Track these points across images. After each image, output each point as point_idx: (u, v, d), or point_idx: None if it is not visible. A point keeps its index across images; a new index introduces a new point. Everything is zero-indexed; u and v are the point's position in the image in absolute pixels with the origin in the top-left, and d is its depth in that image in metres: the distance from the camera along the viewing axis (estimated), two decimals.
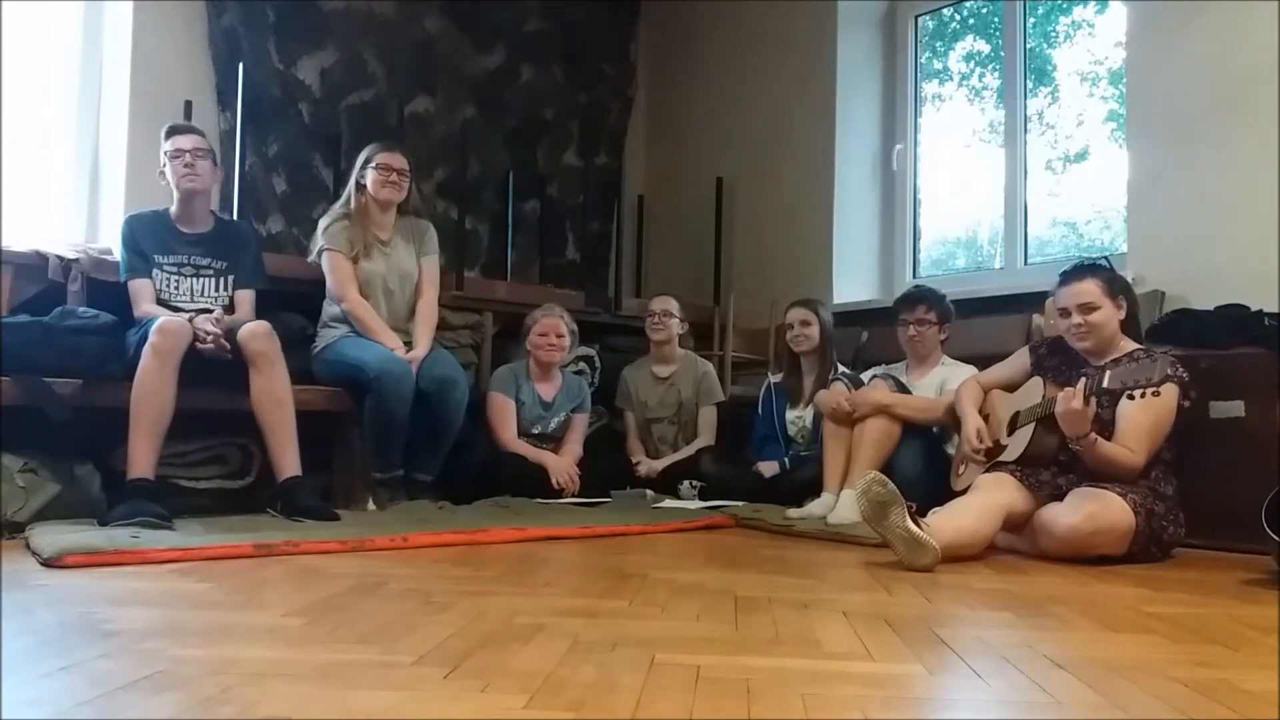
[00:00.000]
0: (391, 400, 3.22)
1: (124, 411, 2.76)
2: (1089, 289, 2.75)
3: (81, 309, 3.00)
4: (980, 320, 3.81)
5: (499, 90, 4.96)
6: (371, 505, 3.23)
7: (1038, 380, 2.84)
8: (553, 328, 3.84)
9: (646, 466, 3.99)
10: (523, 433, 3.79)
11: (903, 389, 3.31)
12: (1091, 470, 2.61)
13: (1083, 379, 2.54)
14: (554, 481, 3.62)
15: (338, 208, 3.53)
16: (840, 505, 3.09)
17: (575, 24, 5.23)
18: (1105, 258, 2.86)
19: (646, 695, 1.21)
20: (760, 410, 3.94)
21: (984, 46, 4.69)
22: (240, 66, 3.94)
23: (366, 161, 3.49)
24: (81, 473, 2.83)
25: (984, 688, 1.32)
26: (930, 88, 4.82)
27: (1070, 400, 2.51)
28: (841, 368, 3.73)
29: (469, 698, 1.19)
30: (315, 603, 1.79)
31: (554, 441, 3.86)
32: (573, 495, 3.62)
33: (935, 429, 3.25)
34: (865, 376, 3.42)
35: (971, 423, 2.95)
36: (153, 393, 2.75)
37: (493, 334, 4.13)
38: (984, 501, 2.60)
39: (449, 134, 4.72)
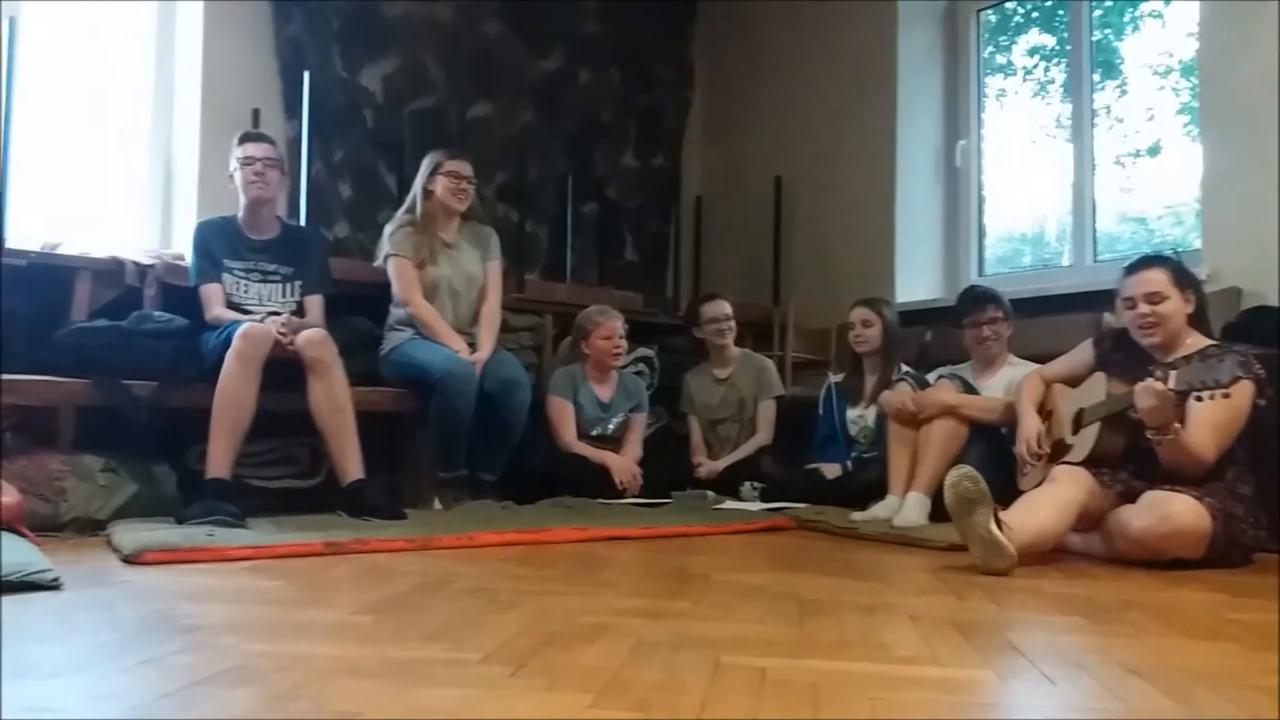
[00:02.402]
0: (456, 401, 3.26)
1: (198, 413, 2.84)
2: (1156, 278, 2.67)
3: (157, 313, 3.10)
4: (1048, 319, 3.73)
5: (557, 93, 4.99)
6: (437, 504, 3.27)
7: (1100, 377, 2.76)
8: (615, 330, 3.85)
9: (707, 468, 3.99)
10: (582, 435, 3.81)
11: (970, 390, 3.26)
12: (1165, 469, 2.54)
13: (1171, 373, 2.45)
14: (617, 481, 3.63)
15: (403, 214, 3.59)
16: (906, 508, 3.05)
17: (632, 26, 5.24)
18: (1174, 251, 2.78)
19: (712, 697, 1.21)
20: (821, 411, 3.90)
21: (1049, 40, 4.60)
22: (306, 75, 4.02)
23: (434, 168, 3.53)
24: (158, 472, 2.92)
25: (1056, 694, 1.29)
26: (994, 82, 4.73)
27: (1151, 393, 2.43)
28: (906, 368, 3.68)
29: (535, 696, 1.20)
30: (383, 600, 1.82)
31: (614, 442, 3.87)
32: (634, 495, 3.63)
33: (1004, 430, 3.18)
34: (931, 377, 3.37)
35: (1030, 425, 2.89)
36: (235, 396, 2.83)
37: (553, 336, 4.16)
38: (1059, 496, 2.53)
39: (508, 138, 4.77)
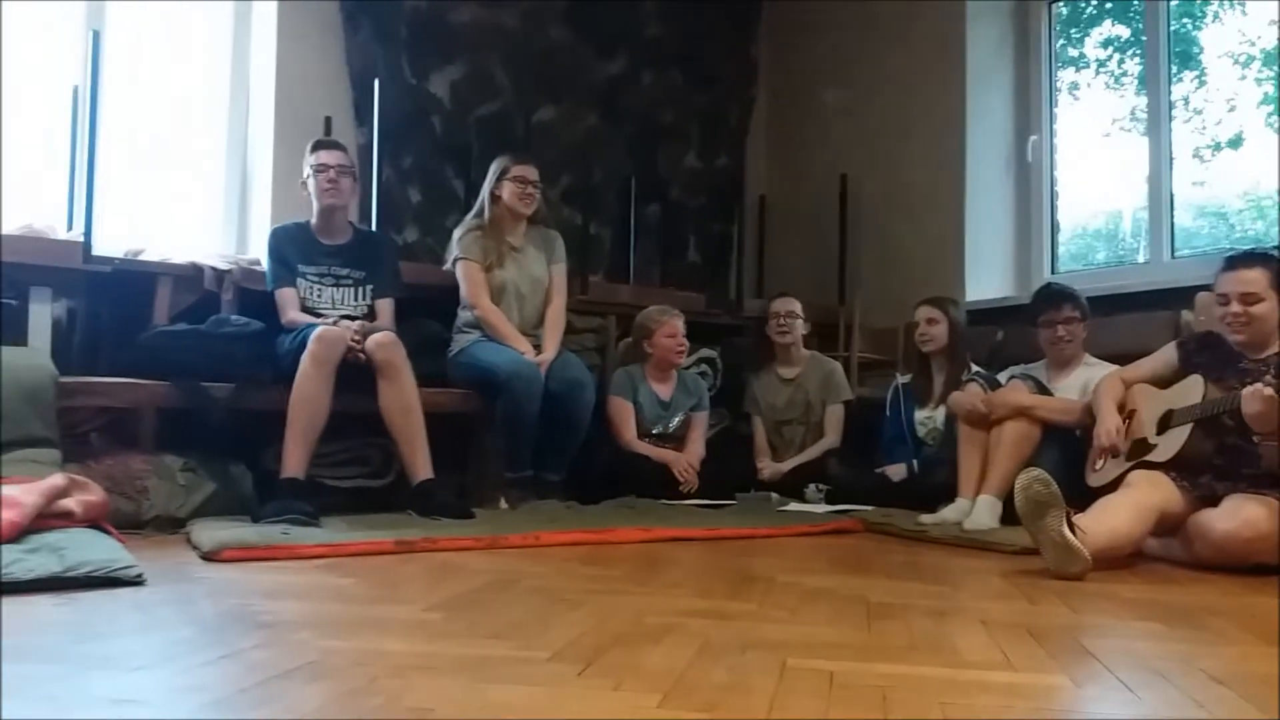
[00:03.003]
0: (522, 402, 3.29)
1: (273, 414, 2.91)
2: (1255, 278, 2.59)
3: (234, 317, 3.18)
4: (1124, 317, 3.63)
5: (620, 96, 5.01)
6: (503, 504, 3.31)
7: (1197, 379, 2.68)
8: (679, 329, 3.86)
9: (770, 470, 3.96)
10: (643, 434, 3.82)
11: (1043, 390, 3.19)
12: (1267, 471, 2.46)
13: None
14: (676, 473, 3.63)
15: (471, 218, 3.64)
16: (976, 510, 3.00)
17: (695, 27, 5.24)
18: (1278, 248, 2.69)
19: (780, 699, 1.20)
20: (888, 412, 3.85)
21: (1123, 31, 4.47)
22: (376, 82, 4.10)
23: (501, 173, 3.58)
24: (235, 472, 3.00)
25: (1135, 702, 1.26)
26: (1066, 76, 4.63)
27: (1259, 398, 2.37)
28: (976, 368, 3.61)
29: (602, 695, 1.21)
30: (453, 598, 1.85)
31: (675, 441, 3.88)
32: (693, 491, 3.63)
33: (1078, 432, 3.11)
34: (1002, 377, 3.30)
35: (1109, 419, 2.82)
36: (310, 397, 2.89)
37: (616, 337, 4.17)
38: (1137, 501, 2.47)
39: (572, 141, 4.80)
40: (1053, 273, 4.46)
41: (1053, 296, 3.40)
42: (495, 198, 3.58)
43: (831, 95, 5.15)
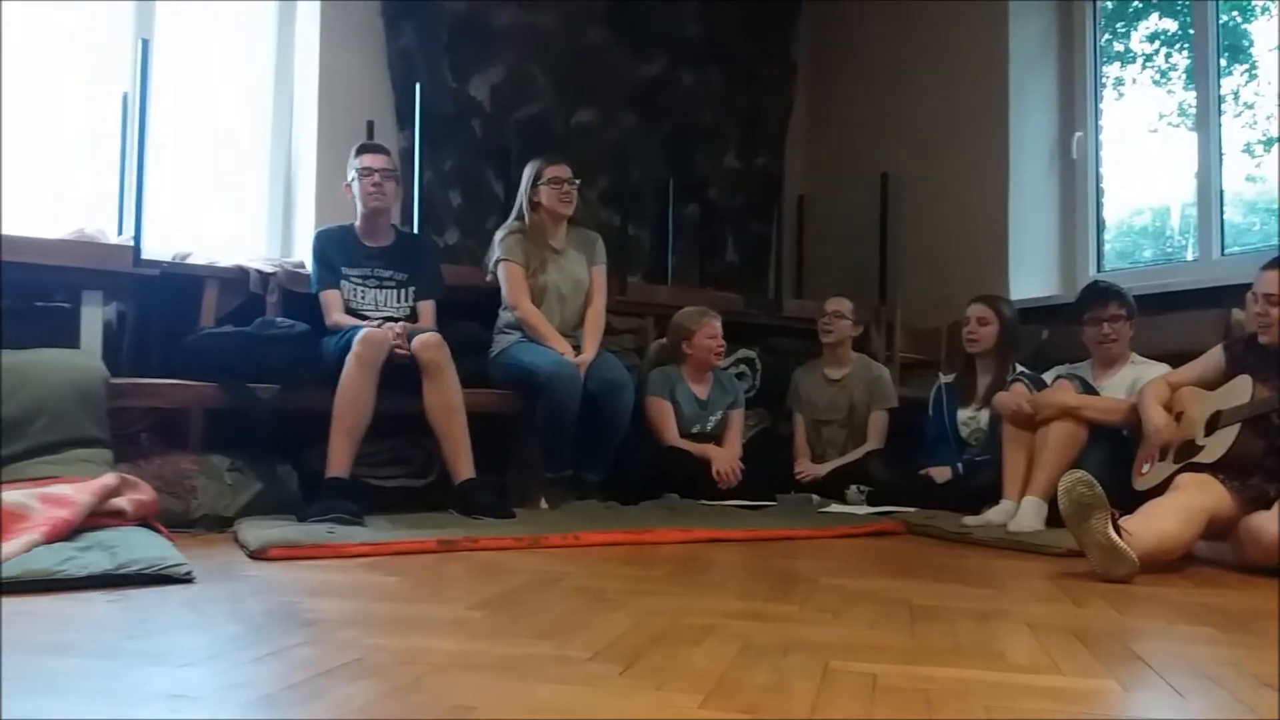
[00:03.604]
0: (561, 403, 3.31)
1: (317, 414, 2.95)
2: (1274, 279, 2.57)
3: (279, 319, 3.23)
4: (1172, 316, 3.57)
5: (658, 97, 5.02)
6: (544, 504, 3.32)
7: (1245, 380, 2.63)
8: (718, 330, 3.86)
9: (809, 473, 3.94)
10: (681, 433, 3.81)
11: (1089, 390, 3.14)
12: None
13: None
14: (716, 471, 3.63)
15: (512, 222, 3.66)
16: (1022, 512, 2.96)
17: (733, 27, 5.23)
18: None
19: (822, 701, 1.20)
20: (931, 412, 3.82)
21: (1170, 24, 4.39)
22: (417, 87, 4.14)
23: (536, 177, 3.59)
24: (281, 471, 3.04)
25: (1185, 707, 1.24)
26: (1112, 71, 4.55)
27: None
28: (1021, 368, 3.57)
29: (644, 695, 1.21)
30: (495, 597, 1.86)
31: (713, 440, 3.87)
32: (729, 494, 3.62)
33: (1125, 432, 3.06)
34: (1048, 377, 3.26)
35: (1157, 415, 2.78)
36: (355, 398, 2.93)
37: (654, 337, 4.18)
38: (1186, 504, 2.43)
39: (611, 143, 4.81)
40: (1098, 270, 4.40)
41: (1099, 294, 3.35)
42: (534, 204, 3.60)
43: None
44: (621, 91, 4.90)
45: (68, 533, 2.11)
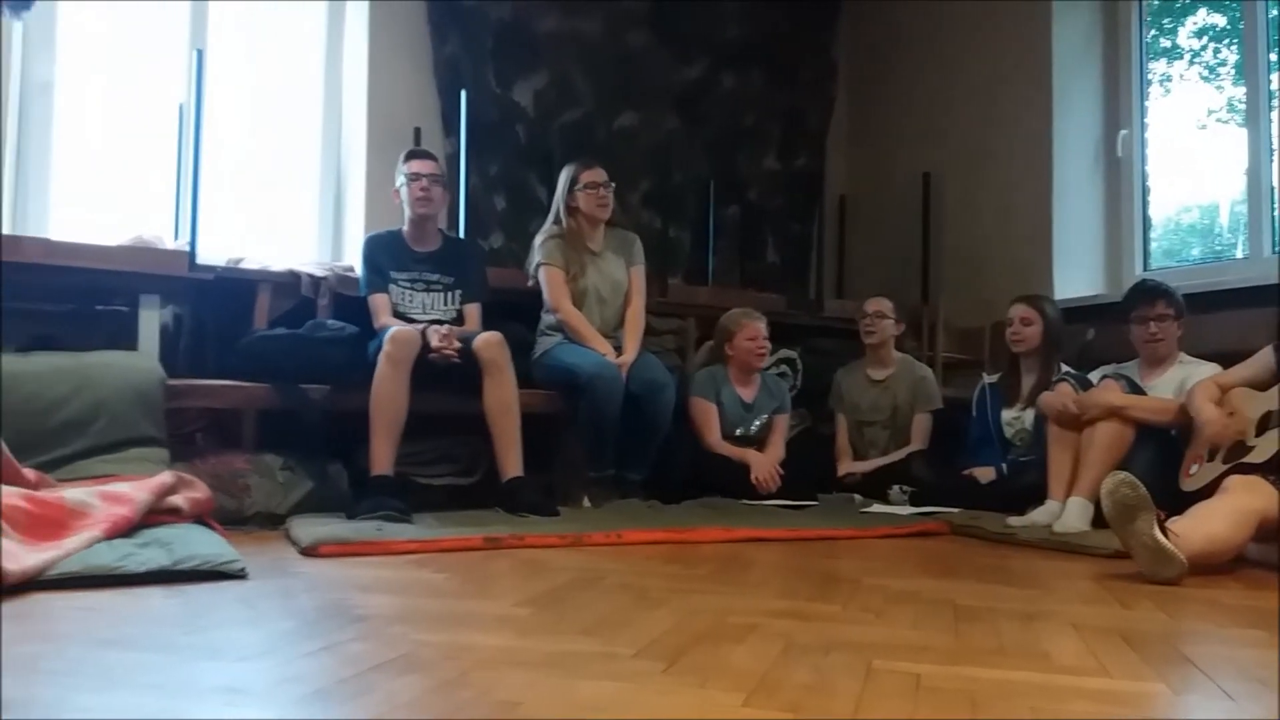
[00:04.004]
0: (603, 403, 3.33)
1: (367, 414, 3.00)
2: None
3: (330, 322, 3.29)
4: (1221, 315, 3.51)
5: (700, 99, 5.02)
6: (586, 503, 3.35)
7: None
8: (759, 331, 3.85)
9: (851, 471, 3.92)
10: (725, 435, 3.82)
11: (1136, 390, 3.10)
12: None
13: None
14: (753, 477, 3.63)
15: (550, 226, 3.69)
16: (1067, 513, 2.93)
17: (774, 28, 5.22)
18: None
19: (865, 701, 1.20)
20: (974, 412, 3.78)
21: (1219, 20, 4.31)
22: (463, 93, 4.19)
23: (571, 183, 3.62)
24: (331, 470, 3.10)
25: (1237, 711, 1.23)
26: (1158, 67, 4.48)
27: None
28: (1066, 368, 3.53)
29: (687, 693, 1.22)
30: (540, 594, 1.89)
31: (756, 443, 3.87)
32: (771, 494, 3.61)
33: (1173, 432, 3.01)
34: (1094, 376, 3.22)
35: (1209, 410, 2.73)
36: (388, 396, 2.98)
37: (695, 338, 4.19)
38: (1236, 506, 2.39)
39: (652, 146, 4.83)
40: (1145, 269, 4.33)
41: (1146, 292, 3.30)
42: (571, 208, 3.63)
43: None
44: (663, 95, 4.92)
45: (127, 530, 2.17)
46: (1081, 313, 4.09)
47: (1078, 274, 4.39)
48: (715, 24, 5.07)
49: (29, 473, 2.37)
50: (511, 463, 3.10)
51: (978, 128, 4.77)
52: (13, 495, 2.06)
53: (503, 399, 3.10)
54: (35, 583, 1.79)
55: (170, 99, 3.76)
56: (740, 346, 3.85)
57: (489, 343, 3.12)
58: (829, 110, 5.43)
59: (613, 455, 3.44)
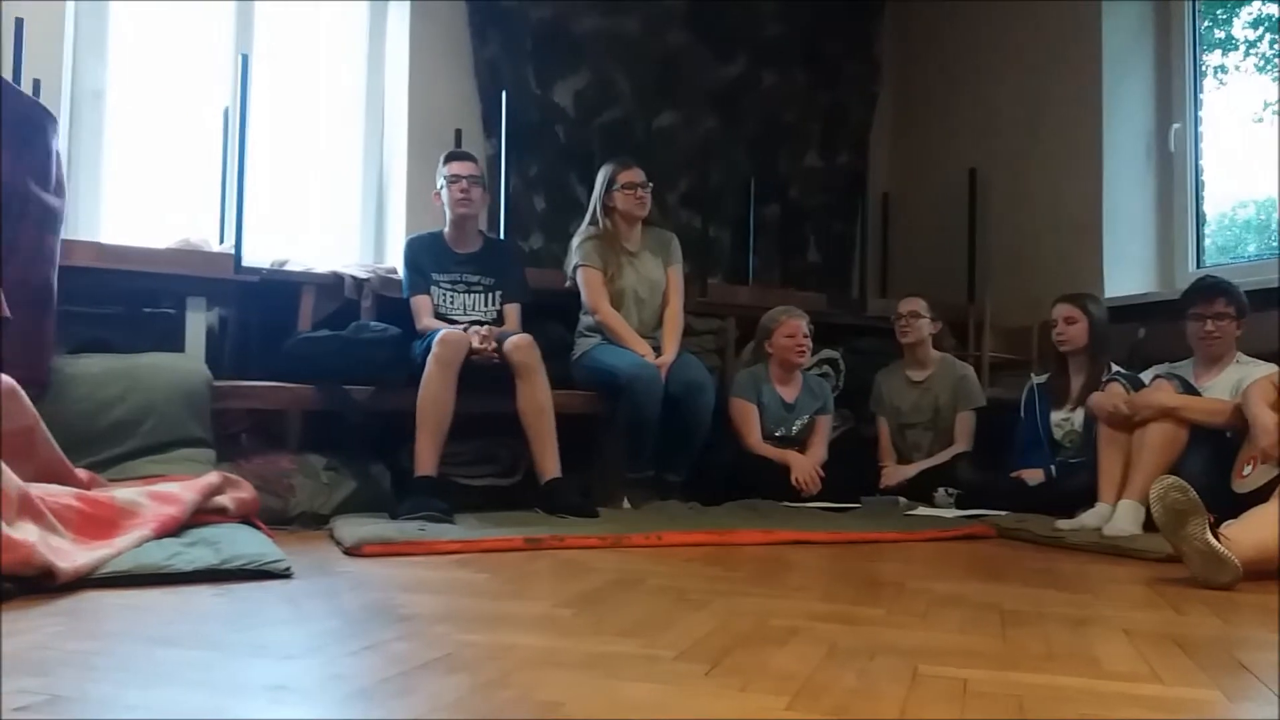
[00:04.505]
0: (642, 404, 3.33)
1: (409, 415, 3.03)
2: None
3: (372, 323, 3.32)
4: (1277, 314, 3.42)
5: (740, 98, 5.00)
6: (626, 504, 3.35)
7: None
8: (798, 329, 3.82)
9: (895, 473, 3.88)
10: (766, 435, 3.79)
11: (1190, 390, 3.03)
12: None
13: None
14: (793, 478, 3.60)
15: (587, 227, 3.70)
16: (1118, 516, 2.87)
17: (816, 25, 5.18)
18: None
19: (911, 705, 1.18)
20: (1023, 414, 3.72)
21: (1275, 9, 4.20)
22: (503, 95, 4.21)
23: (609, 183, 3.62)
24: (374, 470, 3.14)
25: None
26: (1212, 59, 4.37)
27: None
28: (1117, 367, 3.46)
29: (730, 696, 1.22)
30: (581, 595, 1.89)
31: (798, 444, 3.84)
32: (813, 496, 3.58)
33: (1229, 434, 2.94)
34: (1145, 376, 3.15)
35: (1265, 415, 2.67)
36: (436, 398, 3.00)
37: (735, 338, 4.17)
38: None
39: (691, 145, 4.81)
40: (1198, 266, 4.23)
41: (1206, 289, 3.22)
42: (609, 208, 3.63)
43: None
44: (703, 93, 4.90)
45: (175, 529, 2.20)
46: (1133, 311, 4.01)
47: (1129, 271, 4.31)
48: (755, 22, 5.04)
49: (81, 473, 2.42)
50: (549, 464, 3.11)
51: (1025, 122, 4.70)
52: (65, 495, 2.10)
53: (535, 400, 3.11)
54: (87, 580, 1.82)
55: (216, 103, 3.83)
56: (779, 344, 3.83)
57: (519, 345, 3.13)
58: (872, 107, 5.38)
59: (652, 456, 3.44)
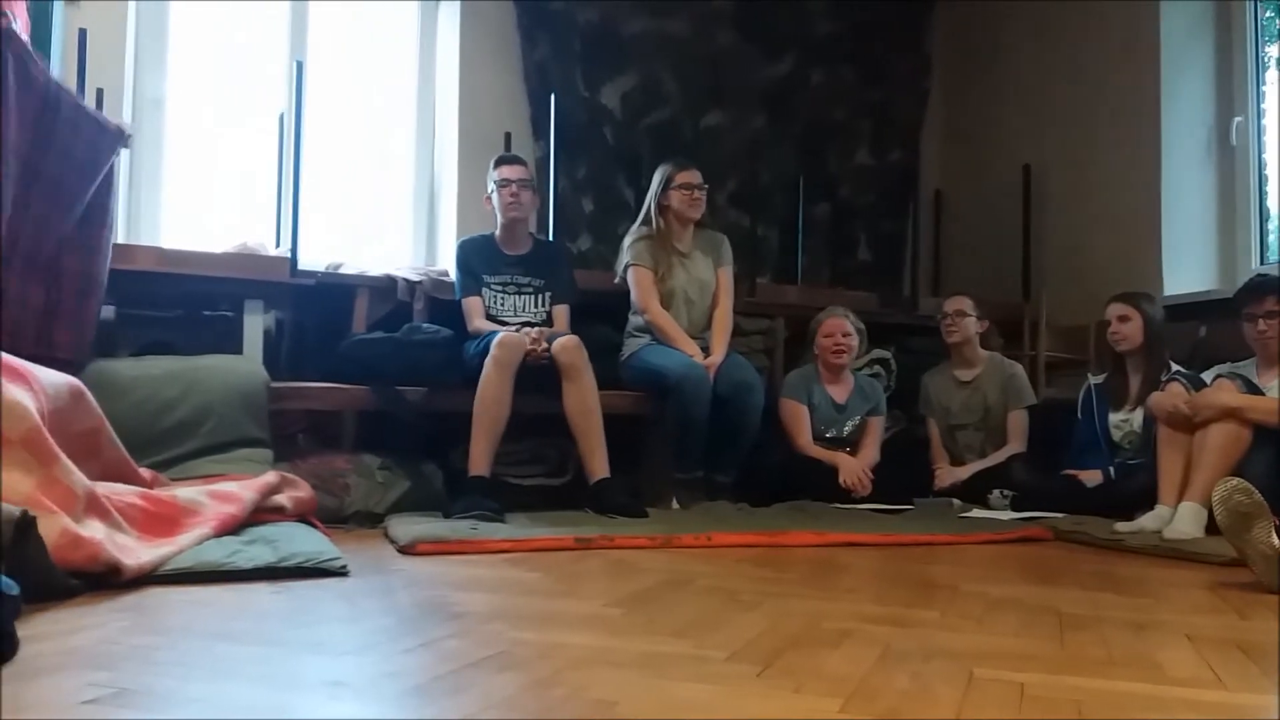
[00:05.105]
0: (691, 405, 3.33)
1: (461, 415, 3.06)
2: None
3: (425, 325, 3.37)
4: None
5: (788, 97, 4.98)
6: (675, 504, 3.35)
7: None
8: (838, 328, 3.79)
9: (948, 475, 3.83)
10: (816, 436, 3.77)
11: (1253, 390, 2.95)
12: None
13: None
14: (841, 480, 3.56)
15: (640, 226, 3.71)
16: (1179, 518, 2.80)
17: (865, 22, 5.14)
18: None
19: (967, 708, 1.17)
20: (1080, 414, 3.65)
21: None
22: (552, 98, 4.24)
23: (666, 182, 3.62)
24: (427, 470, 3.18)
25: None
26: (1275, 51, 4.26)
27: None
28: (1177, 367, 3.38)
29: (782, 697, 1.21)
30: (631, 594, 1.89)
31: (849, 445, 3.80)
32: (865, 497, 3.55)
33: None
34: (1207, 376, 3.08)
35: None
36: (493, 399, 3.04)
37: (784, 339, 4.14)
38: None
39: (739, 145, 4.80)
40: (1261, 262, 4.12)
41: (1256, 288, 3.14)
42: (663, 207, 3.63)
43: None
44: (751, 93, 4.89)
45: (235, 527, 2.25)
46: (1193, 309, 3.92)
47: (1189, 268, 4.21)
48: (804, 21, 5.02)
49: (144, 472, 2.48)
50: (598, 464, 3.12)
51: (1081, 117, 4.61)
52: (130, 493, 2.16)
53: (583, 401, 3.13)
54: (150, 577, 1.87)
55: (271, 109, 3.90)
56: (820, 344, 3.81)
57: (565, 346, 3.15)
58: (923, 104, 5.32)
59: (701, 457, 3.43)
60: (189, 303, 3.34)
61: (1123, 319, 3.50)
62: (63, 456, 1.89)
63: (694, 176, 3.62)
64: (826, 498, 3.51)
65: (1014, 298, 4.52)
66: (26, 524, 1.61)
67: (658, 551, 2.53)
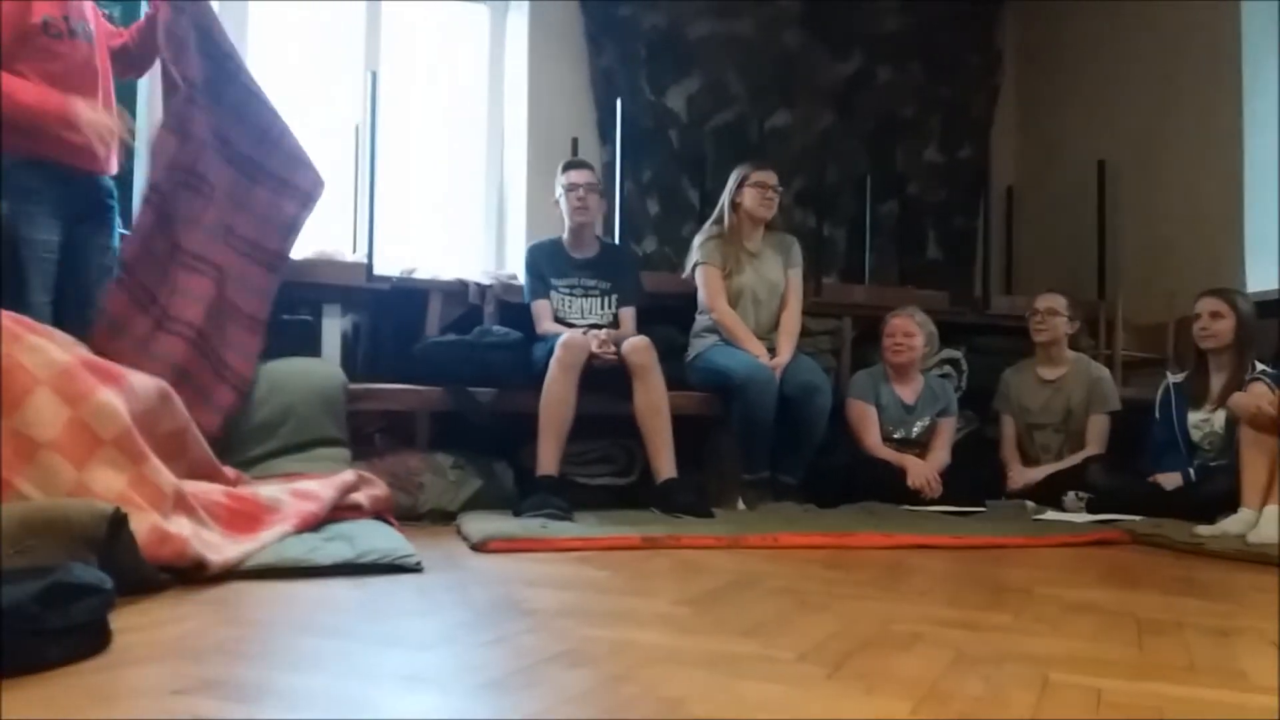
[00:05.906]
0: (757, 405, 3.32)
1: (530, 416, 3.11)
2: None
3: (496, 328, 3.42)
4: None
5: (856, 95, 4.94)
6: (741, 505, 3.35)
7: None
8: (900, 328, 3.74)
9: (1020, 476, 3.76)
10: (885, 437, 3.72)
11: None
12: None
13: None
14: (910, 483, 3.52)
15: (711, 225, 3.71)
16: (1263, 523, 2.72)
17: (934, 18, 5.08)
18: None
19: (1042, 714, 1.16)
20: (1158, 415, 3.56)
21: None
22: (618, 103, 4.27)
23: (741, 181, 3.63)
24: (498, 469, 3.23)
25: None
26: None
27: None
28: (1261, 366, 3.27)
29: (853, 699, 1.21)
30: (699, 594, 1.90)
31: (919, 447, 3.75)
32: (934, 499, 3.50)
33: None
34: None
35: None
36: (558, 400, 3.08)
37: (851, 339, 4.11)
38: None
39: (807, 144, 4.78)
40: None
41: None
42: (735, 205, 3.63)
43: None
44: (817, 91, 4.87)
45: (314, 524, 2.32)
46: (1276, 307, 3.79)
47: (1272, 265, 4.07)
48: (871, 18, 4.98)
49: (228, 471, 2.56)
50: (665, 464, 3.14)
51: (1158, 111, 4.49)
52: (215, 491, 2.24)
53: (652, 402, 3.15)
54: (234, 572, 1.94)
55: (347, 118, 4.00)
56: (883, 344, 3.77)
57: (636, 347, 3.18)
58: (993, 100, 5.23)
59: (767, 458, 3.42)
60: (271, 307, 3.43)
61: (1215, 315, 3.39)
62: (152, 456, 1.97)
63: (770, 177, 3.62)
64: (894, 499, 3.47)
65: (1089, 295, 4.41)
66: (119, 521, 1.68)
67: (724, 551, 2.53)
